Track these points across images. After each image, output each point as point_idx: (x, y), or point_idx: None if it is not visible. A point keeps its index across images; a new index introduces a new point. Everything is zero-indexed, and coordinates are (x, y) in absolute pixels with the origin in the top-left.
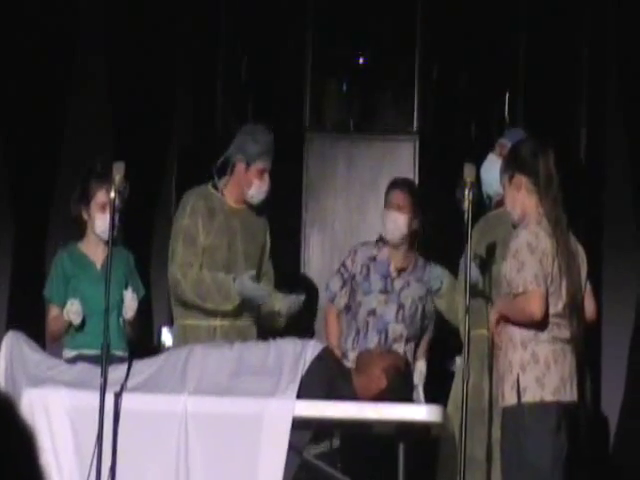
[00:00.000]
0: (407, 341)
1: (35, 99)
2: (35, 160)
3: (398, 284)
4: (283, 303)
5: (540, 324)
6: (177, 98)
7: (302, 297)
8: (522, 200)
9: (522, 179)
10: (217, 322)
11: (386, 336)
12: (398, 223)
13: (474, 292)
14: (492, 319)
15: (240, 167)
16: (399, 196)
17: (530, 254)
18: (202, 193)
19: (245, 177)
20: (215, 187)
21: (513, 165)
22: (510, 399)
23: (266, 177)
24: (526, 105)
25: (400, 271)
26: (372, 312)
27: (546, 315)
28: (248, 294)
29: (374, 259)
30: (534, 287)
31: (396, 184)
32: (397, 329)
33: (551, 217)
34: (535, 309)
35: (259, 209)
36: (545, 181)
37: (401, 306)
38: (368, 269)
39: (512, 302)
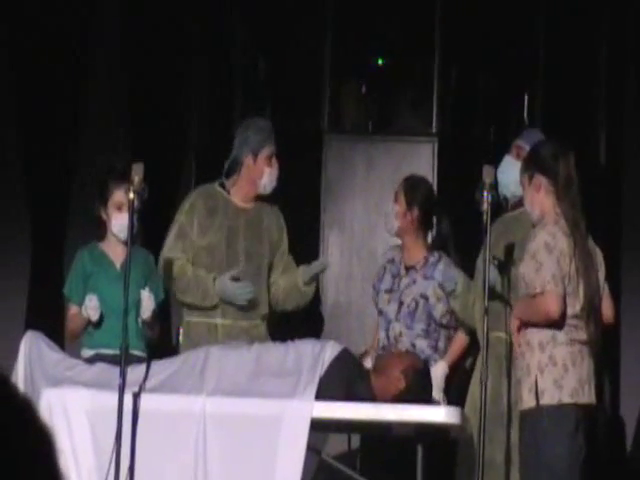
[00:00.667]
0: (418, 338)
1: (51, 97)
2: (52, 159)
3: (404, 282)
4: (304, 273)
5: (557, 324)
6: (194, 99)
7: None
8: (541, 201)
9: (542, 180)
10: (218, 320)
11: (387, 334)
12: (390, 213)
13: (492, 294)
14: (513, 326)
15: (248, 161)
16: (397, 188)
17: (548, 254)
18: (205, 192)
19: (255, 169)
20: (222, 186)
21: (533, 166)
22: (528, 402)
23: (275, 162)
24: (545, 107)
25: (409, 269)
26: (380, 312)
27: (563, 315)
28: (228, 294)
29: (392, 261)
30: (552, 287)
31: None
32: (396, 327)
33: (569, 218)
34: (552, 309)
35: (272, 207)
36: (564, 183)
37: (401, 304)
38: (384, 270)
39: (529, 304)
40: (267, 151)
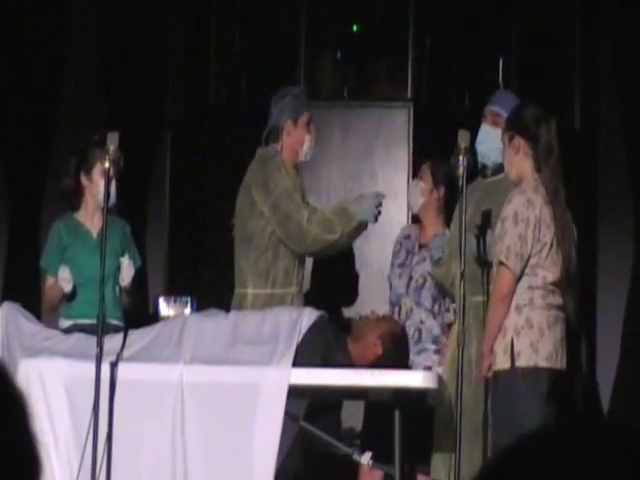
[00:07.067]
0: (428, 317)
1: (26, 69)
2: (27, 131)
3: (416, 259)
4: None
5: (510, 293)
6: (170, 70)
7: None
8: (519, 163)
9: (521, 142)
10: (291, 289)
11: (399, 309)
12: (413, 190)
13: (469, 259)
14: (484, 366)
15: (289, 127)
16: (422, 167)
17: (513, 225)
18: (278, 156)
19: (296, 135)
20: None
21: (514, 127)
22: (503, 363)
23: (313, 128)
24: (520, 72)
25: (422, 247)
26: (390, 286)
27: (514, 286)
28: (366, 205)
29: (409, 237)
30: (504, 260)
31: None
32: (407, 302)
33: (550, 187)
34: (502, 285)
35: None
36: (545, 150)
37: (410, 279)
38: (400, 246)
39: (487, 322)
40: (306, 117)
